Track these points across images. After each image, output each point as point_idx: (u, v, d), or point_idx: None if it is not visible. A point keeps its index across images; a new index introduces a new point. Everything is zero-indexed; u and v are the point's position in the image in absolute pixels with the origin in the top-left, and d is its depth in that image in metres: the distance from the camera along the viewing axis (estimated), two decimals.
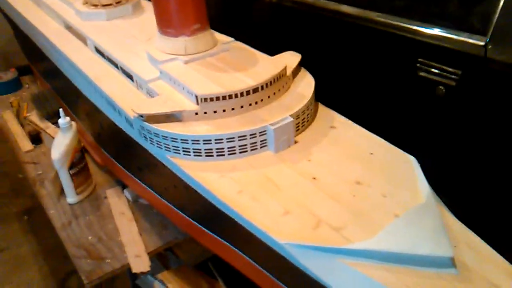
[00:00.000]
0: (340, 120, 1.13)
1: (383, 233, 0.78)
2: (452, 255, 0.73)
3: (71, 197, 1.52)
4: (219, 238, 1.10)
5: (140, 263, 1.27)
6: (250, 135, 0.99)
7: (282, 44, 1.65)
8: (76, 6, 1.62)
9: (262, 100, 1.06)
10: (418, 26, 1.28)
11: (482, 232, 0.85)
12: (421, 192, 0.88)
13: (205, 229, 1.14)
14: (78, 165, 1.49)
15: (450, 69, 1.20)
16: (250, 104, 1.05)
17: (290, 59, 1.20)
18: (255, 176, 0.96)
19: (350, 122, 1.12)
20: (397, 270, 0.74)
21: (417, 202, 0.85)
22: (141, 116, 1.03)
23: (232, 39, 1.27)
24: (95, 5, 1.58)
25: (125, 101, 1.15)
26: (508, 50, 1.07)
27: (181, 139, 1.00)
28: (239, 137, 0.99)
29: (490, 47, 1.09)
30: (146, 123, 1.04)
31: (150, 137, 1.06)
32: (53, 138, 1.78)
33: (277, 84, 1.09)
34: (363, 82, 1.45)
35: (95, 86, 1.28)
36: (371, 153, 1.01)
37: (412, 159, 0.98)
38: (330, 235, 0.80)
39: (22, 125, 1.95)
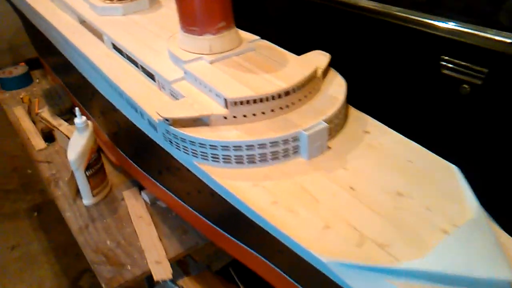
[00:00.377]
0: (373, 124, 1.07)
1: (435, 252, 0.72)
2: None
3: (88, 199, 1.47)
4: (245, 246, 1.05)
5: (161, 270, 1.23)
6: (283, 141, 0.94)
7: (298, 39, 1.60)
8: (91, 0, 1.56)
9: (293, 103, 1.01)
10: (441, 21, 1.23)
11: None
12: (468, 206, 0.83)
13: (230, 236, 1.10)
14: (94, 166, 1.44)
15: (476, 67, 1.15)
16: (281, 108, 1.00)
17: (319, 59, 1.14)
18: (289, 185, 0.91)
19: (384, 126, 1.07)
20: None
21: (465, 217, 0.80)
22: (167, 120, 0.98)
23: (257, 37, 1.22)
24: (111, 0, 1.52)
25: (148, 103, 1.10)
26: None
27: (210, 145, 0.94)
28: (271, 143, 0.93)
29: None
30: (172, 128, 0.98)
31: (176, 142, 1.00)
32: (66, 136, 1.75)
33: (309, 86, 1.04)
34: (383, 80, 1.40)
35: (114, 85, 1.23)
36: (410, 161, 0.95)
37: (454, 168, 0.93)
38: (376, 252, 0.75)
39: (34, 122, 1.91)
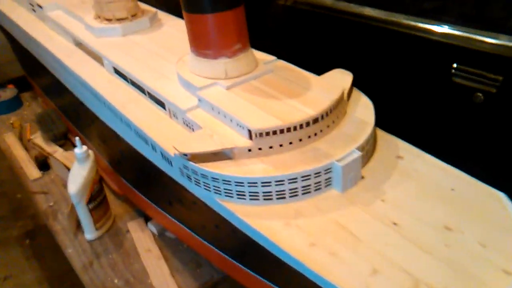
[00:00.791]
0: (405, 147, 1.00)
1: None
2: None
3: (90, 233, 1.38)
4: (271, 284, 0.97)
5: None
6: (315, 174, 0.86)
7: (301, 51, 1.53)
8: (87, 20, 1.47)
9: (321, 130, 0.93)
10: (451, 29, 1.18)
11: None
12: None
13: (253, 273, 1.01)
14: (97, 198, 1.34)
15: (490, 75, 1.10)
16: (309, 137, 0.92)
17: (341, 78, 1.07)
18: (325, 223, 0.83)
19: (416, 150, 0.99)
20: None
21: None
22: (185, 155, 0.90)
23: (273, 57, 1.14)
24: (109, 20, 1.43)
25: (161, 135, 1.01)
26: None
27: (236, 182, 0.86)
28: (302, 177, 0.85)
29: None
30: (192, 163, 0.90)
31: (195, 178, 0.92)
32: (63, 163, 1.65)
33: (336, 111, 0.96)
34: (392, 91, 1.34)
35: (121, 114, 1.14)
36: (452, 189, 0.88)
37: (501, 195, 0.86)
38: None
39: (27, 149, 1.80)
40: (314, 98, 0.96)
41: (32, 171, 1.67)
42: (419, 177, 0.92)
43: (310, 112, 0.90)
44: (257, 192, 0.87)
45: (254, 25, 1.52)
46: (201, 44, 1.04)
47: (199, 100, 1.01)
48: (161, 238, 1.37)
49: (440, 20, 1.22)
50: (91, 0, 1.64)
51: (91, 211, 1.33)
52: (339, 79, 1.05)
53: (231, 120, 0.93)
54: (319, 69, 1.12)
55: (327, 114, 0.93)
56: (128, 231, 1.40)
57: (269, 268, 0.94)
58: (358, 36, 1.38)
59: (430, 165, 0.95)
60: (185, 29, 1.43)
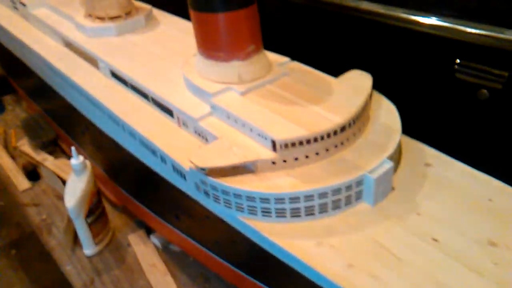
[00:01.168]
0: (433, 154, 0.94)
1: None
2: None
3: (89, 249, 1.29)
4: None
5: None
6: (346, 187, 0.79)
7: (306, 45, 1.46)
8: (78, 19, 1.37)
9: (347, 139, 0.87)
10: (454, 23, 1.13)
11: None
12: None
13: None
14: (95, 211, 1.26)
15: (495, 71, 1.07)
16: (336, 146, 0.85)
17: (361, 80, 1.00)
18: (361, 241, 0.76)
19: (444, 156, 0.94)
20: None
21: None
22: (203, 169, 0.82)
23: (287, 58, 1.06)
24: (101, 18, 1.33)
25: (172, 146, 0.93)
26: None
27: (261, 198, 0.79)
28: (332, 191, 0.79)
29: None
30: (211, 178, 0.82)
31: (215, 194, 0.84)
32: (54, 172, 1.55)
33: (362, 117, 0.90)
34: (393, 85, 1.29)
35: (122, 122, 1.05)
36: (490, 200, 0.83)
37: None
38: None
39: (13, 157, 1.69)
40: (338, 103, 0.89)
41: (20, 181, 1.57)
42: (452, 187, 0.86)
43: (337, 120, 0.83)
44: (284, 209, 0.79)
45: None
46: (211, 46, 0.96)
47: (212, 107, 0.93)
48: (165, 252, 1.29)
49: (442, 15, 1.17)
50: None
51: (90, 225, 1.24)
52: (359, 82, 0.98)
53: (251, 130, 0.85)
54: (319, 65, 1.07)
55: (354, 122, 0.86)
56: (129, 244, 1.32)
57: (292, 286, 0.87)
58: (358, 31, 1.33)
59: (461, 172, 0.89)
60: (184, 28, 1.36)
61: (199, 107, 0.96)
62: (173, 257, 1.27)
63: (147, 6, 1.45)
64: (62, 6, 1.49)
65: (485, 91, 1.10)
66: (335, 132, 0.83)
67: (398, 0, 1.25)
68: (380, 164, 0.82)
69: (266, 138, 0.82)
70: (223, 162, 0.81)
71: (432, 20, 1.16)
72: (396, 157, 0.89)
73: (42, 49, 1.41)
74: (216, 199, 0.84)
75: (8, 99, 2.11)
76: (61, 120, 1.61)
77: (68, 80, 1.26)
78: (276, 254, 0.79)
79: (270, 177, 0.82)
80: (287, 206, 0.79)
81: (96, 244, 1.29)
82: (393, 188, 0.85)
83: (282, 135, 0.81)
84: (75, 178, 1.22)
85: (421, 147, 0.96)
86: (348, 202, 0.82)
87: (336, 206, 0.81)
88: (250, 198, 0.79)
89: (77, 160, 1.20)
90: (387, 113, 0.97)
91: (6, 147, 1.74)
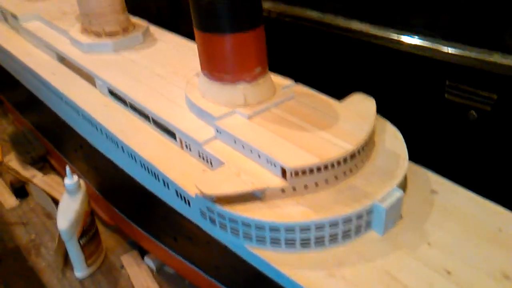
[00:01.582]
0: (437, 180, 0.93)
1: None
2: None
3: (81, 271, 1.24)
4: None
5: None
6: (357, 217, 0.78)
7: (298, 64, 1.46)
8: (73, 34, 1.34)
9: (356, 165, 0.85)
10: (443, 45, 1.15)
11: None
12: None
13: None
14: (89, 232, 1.22)
15: (484, 93, 1.08)
16: (345, 173, 0.84)
17: (365, 105, 0.99)
18: (373, 272, 0.75)
19: (450, 183, 0.93)
20: None
21: None
22: (211, 196, 0.79)
23: (291, 81, 1.05)
24: (98, 34, 1.30)
25: (175, 170, 0.91)
26: None
27: (271, 227, 0.77)
28: (343, 220, 0.77)
29: None
30: (218, 206, 0.80)
31: (221, 222, 0.82)
32: (43, 190, 1.50)
33: (369, 143, 0.89)
34: (385, 105, 1.31)
35: (121, 143, 1.02)
36: (500, 230, 0.82)
37: None
38: None
39: (0, 173, 1.63)
40: (346, 129, 0.87)
41: (7, 199, 1.51)
42: (461, 215, 0.85)
43: (347, 146, 0.82)
44: (294, 239, 0.77)
45: None
46: (217, 67, 0.94)
47: (217, 130, 0.91)
48: (160, 274, 1.25)
49: (432, 36, 1.18)
50: (73, 11, 1.51)
51: (82, 247, 1.20)
52: (364, 106, 0.97)
53: (259, 156, 0.83)
54: (311, 84, 1.07)
55: (363, 148, 0.85)
56: (122, 266, 1.27)
57: None
58: (348, 51, 1.34)
59: (467, 200, 0.89)
60: (182, 46, 1.34)
61: (203, 130, 0.93)
62: (168, 280, 1.23)
63: (143, 23, 1.43)
64: (55, 20, 1.46)
65: (474, 112, 1.11)
66: (345, 160, 0.82)
67: (388, 21, 1.26)
68: (390, 193, 0.80)
69: (275, 165, 0.81)
70: (232, 190, 0.79)
71: (423, 42, 1.17)
72: (403, 184, 0.88)
73: (33, 63, 1.37)
74: (223, 227, 0.82)
75: None
76: (51, 135, 1.57)
77: (63, 96, 1.22)
78: (286, 285, 0.77)
79: (279, 205, 0.80)
80: (297, 235, 0.77)
81: (88, 266, 1.24)
82: (401, 216, 0.84)
83: (293, 162, 0.79)
84: (68, 198, 1.18)
85: (426, 173, 0.95)
86: (358, 231, 0.80)
87: (346, 235, 0.79)
88: (260, 227, 0.77)
89: (71, 180, 1.16)
90: (392, 139, 0.96)
91: None
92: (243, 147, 0.86)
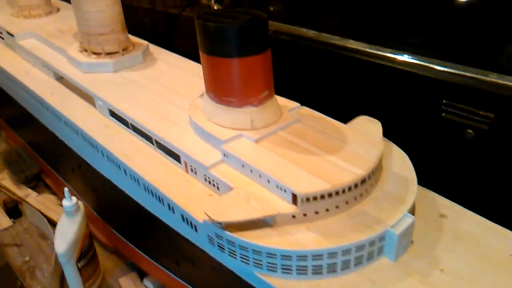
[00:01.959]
0: (445, 204, 0.93)
1: None
2: None
3: None
4: None
5: None
6: (369, 243, 0.77)
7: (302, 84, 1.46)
8: (71, 53, 1.32)
9: (366, 190, 0.85)
10: (440, 65, 1.16)
11: None
12: None
13: None
14: (87, 254, 1.19)
15: (481, 112, 1.09)
16: (355, 198, 0.83)
17: (372, 128, 0.99)
18: None
19: (458, 206, 0.93)
20: None
21: None
22: (219, 223, 0.78)
23: (296, 104, 1.04)
24: (97, 53, 1.29)
25: (181, 195, 0.89)
26: None
27: (282, 255, 0.75)
28: (356, 247, 0.76)
29: None
30: (227, 233, 0.78)
31: (231, 249, 0.80)
32: (38, 209, 1.47)
33: (379, 167, 0.88)
34: (381, 124, 1.32)
35: (124, 166, 1.00)
36: (511, 255, 0.81)
37: None
38: None
39: None
40: (355, 153, 0.87)
41: (0, 219, 1.48)
42: (471, 240, 0.85)
43: (358, 171, 0.81)
44: (306, 266, 0.76)
45: None
46: (223, 91, 0.93)
47: (224, 154, 0.90)
48: None
49: (427, 56, 1.19)
50: (70, 29, 1.50)
51: (80, 270, 1.17)
52: (371, 129, 0.97)
53: (268, 181, 0.82)
54: (306, 102, 1.07)
55: (373, 173, 0.84)
56: None
57: None
58: (345, 70, 1.34)
59: (477, 224, 0.88)
60: (182, 66, 1.33)
61: (209, 153, 0.92)
62: None
63: (143, 42, 1.42)
64: (53, 38, 1.44)
65: (470, 131, 1.11)
66: (356, 185, 0.81)
67: (386, 41, 1.26)
68: (401, 219, 0.80)
69: (285, 191, 0.79)
70: (241, 217, 0.77)
71: (420, 61, 1.18)
72: (413, 208, 0.88)
73: (30, 81, 1.35)
74: (232, 253, 0.80)
75: None
76: (47, 154, 1.54)
77: (61, 116, 1.20)
78: None
79: (289, 231, 0.78)
80: (309, 263, 0.76)
81: None
82: (412, 242, 0.83)
83: (304, 188, 0.78)
84: (66, 220, 1.15)
85: (433, 197, 0.95)
86: (370, 257, 0.79)
87: (358, 262, 0.78)
88: (271, 255, 0.76)
89: (69, 201, 1.14)
90: (399, 162, 0.95)
91: None
92: (252, 171, 0.85)
